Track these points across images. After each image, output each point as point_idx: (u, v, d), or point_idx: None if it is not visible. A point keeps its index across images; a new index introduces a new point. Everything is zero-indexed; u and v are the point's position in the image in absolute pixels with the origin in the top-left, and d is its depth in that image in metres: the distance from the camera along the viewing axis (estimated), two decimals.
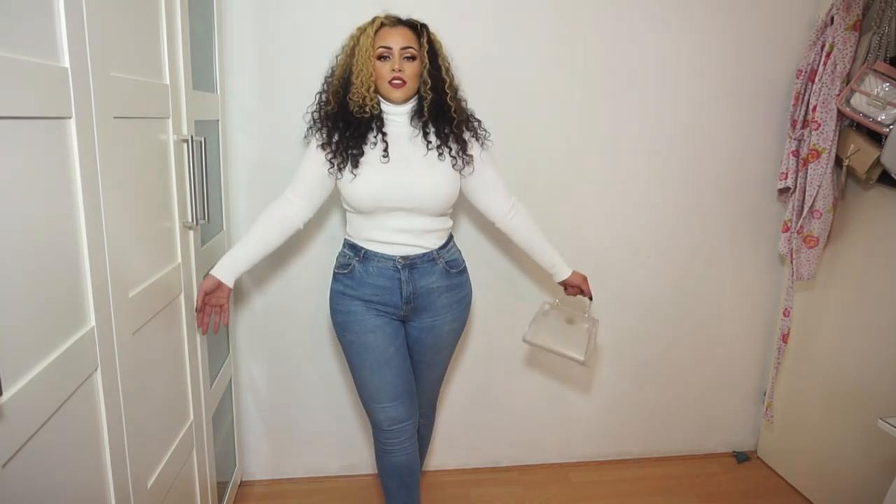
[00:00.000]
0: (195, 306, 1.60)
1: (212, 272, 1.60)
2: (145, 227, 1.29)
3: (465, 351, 2.29)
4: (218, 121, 1.87)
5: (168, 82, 1.39)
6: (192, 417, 1.61)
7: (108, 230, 1.09)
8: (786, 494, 2.29)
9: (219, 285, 1.59)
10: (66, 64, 0.95)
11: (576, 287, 1.83)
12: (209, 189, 1.60)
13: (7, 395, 0.81)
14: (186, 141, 1.47)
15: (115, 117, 1.11)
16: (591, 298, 1.85)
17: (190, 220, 1.52)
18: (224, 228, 1.96)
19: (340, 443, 2.31)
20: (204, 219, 1.56)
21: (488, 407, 2.36)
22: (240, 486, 2.26)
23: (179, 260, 1.50)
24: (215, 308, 1.61)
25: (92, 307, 1.05)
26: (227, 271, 1.60)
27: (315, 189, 1.66)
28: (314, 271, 2.13)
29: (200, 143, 1.53)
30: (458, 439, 2.37)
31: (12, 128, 0.83)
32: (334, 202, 2.06)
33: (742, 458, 2.49)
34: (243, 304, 2.15)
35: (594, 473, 2.40)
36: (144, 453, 1.27)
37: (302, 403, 2.26)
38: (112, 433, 1.11)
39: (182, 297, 1.51)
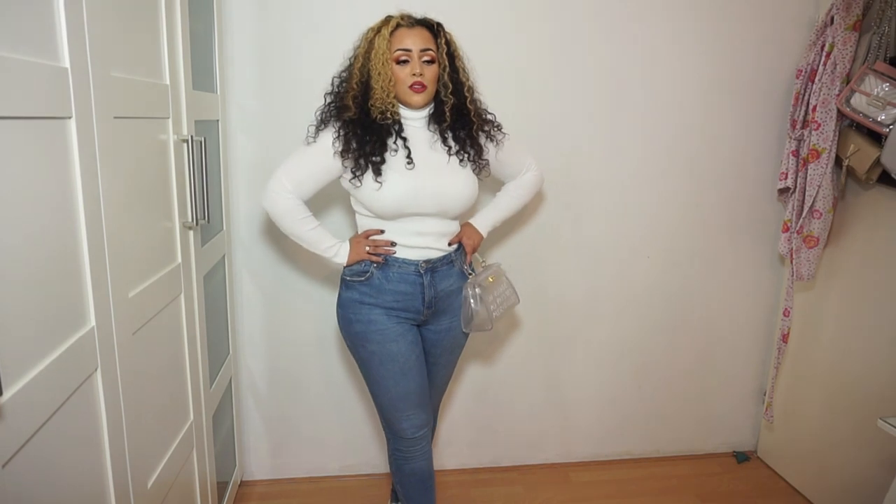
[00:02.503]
0: (369, 251, 1.59)
1: (336, 253, 1.60)
2: (145, 227, 1.29)
3: (466, 351, 2.28)
4: (218, 121, 1.87)
5: (168, 82, 1.39)
6: (192, 417, 1.61)
7: (108, 230, 1.09)
8: (786, 494, 2.29)
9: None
10: (66, 64, 0.95)
11: (460, 239, 1.68)
12: (209, 189, 1.60)
13: (7, 395, 0.81)
14: (186, 141, 1.47)
15: (115, 117, 1.11)
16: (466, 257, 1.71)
17: (190, 220, 1.52)
18: (224, 228, 1.96)
19: (340, 443, 2.30)
20: (204, 219, 1.56)
21: (488, 407, 2.36)
22: (240, 486, 2.26)
23: (179, 260, 1.50)
24: (374, 247, 1.60)
25: (92, 307, 1.05)
26: (332, 241, 1.62)
27: (313, 186, 1.58)
28: (314, 271, 2.13)
29: (200, 143, 1.53)
30: (458, 439, 2.37)
31: (12, 128, 0.83)
32: (335, 202, 2.06)
33: (742, 458, 2.49)
34: (243, 304, 2.15)
35: (594, 473, 2.40)
36: (144, 453, 1.27)
37: (302, 403, 2.26)
38: (112, 433, 1.11)
39: (182, 297, 1.51)
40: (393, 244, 1.58)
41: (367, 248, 1.59)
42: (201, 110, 1.66)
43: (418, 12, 1.57)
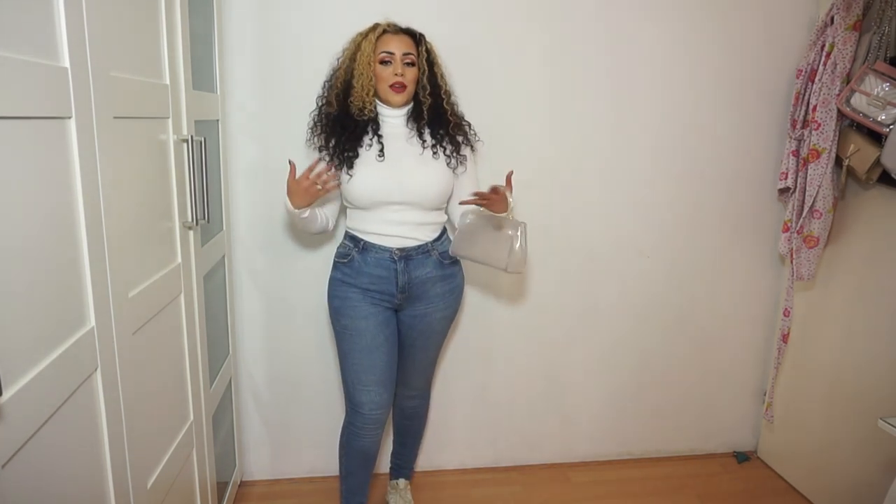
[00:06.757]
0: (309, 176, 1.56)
1: (286, 203, 1.64)
2: (145, 227, 1.29)
3: (465, 350, 2.29)
4: (218, 121, 1.87)
5: (168, 82, 1.39)
6: (192, 417, 1.61)
7: (108, 230, 1.09)
8: (786, 494, 2.29)
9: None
10: (66, 64, 0.95)
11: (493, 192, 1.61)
12: (209, 189, 1.60)
13: (7, 395, 0.80)
14: (186, 141, 1.47)
15: (115, 117, 1.11)
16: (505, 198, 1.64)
17: (190, 220, 1.52)
18: (224, 228, 1.96)
19: None
20: (204, 219, 1.56)
21: (488, 407, 2.36)
22: (240, 486, 2.26)
23: (179, 260, 1.50)
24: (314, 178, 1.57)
25: (92, 307, 1.05)
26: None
27: (331, 195, 1.75)
28: (314, 272, 2.13)
29: (200, 143, 1.53)
30: (458, 439, 2.38)
31: (12, 128, 0.83)
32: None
33: (742, 458, 2.49)
34: (243, 303, 2.15)
35: (594, 473, 2.40)
36: (144, 453, 1.27)
37: (302, 403, 2.26)
38: (112, 433, 1.11)
39: (182, 297, 1.51)
40: (331, 165, 1.61)
41: (318, 187, 1.58)
42: (201, 110, 1.66)
43: (404, 22, 1.72)
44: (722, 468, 2.44)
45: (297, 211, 1.64)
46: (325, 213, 1.77)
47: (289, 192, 1.61)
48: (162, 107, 1.37)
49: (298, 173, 1.59)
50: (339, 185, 1.68)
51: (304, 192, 1.57)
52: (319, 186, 1.57)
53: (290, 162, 1.58)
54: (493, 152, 2.05)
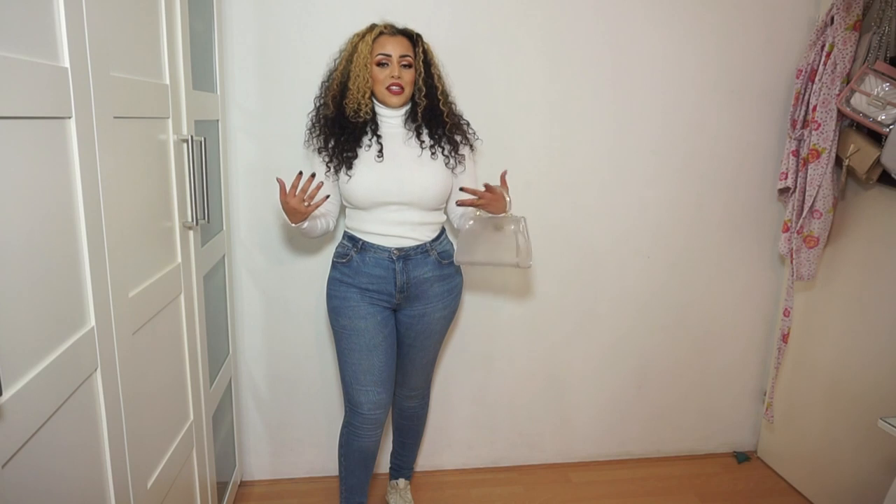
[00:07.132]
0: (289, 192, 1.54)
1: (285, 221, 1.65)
2: (145, 227, 1.29)
3: (465, 351, 2.29)
4: (218, 121, 1.87)
5: (168, 82, 1.39)
6: (192, 417, 1.61)
7: (108, 230, 1.09)
8: (786, 494, 2.29)
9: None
10: (66, 64, 0.95)
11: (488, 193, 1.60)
12: (209, 189, 1.60)
13: (7, 395, 0.81)
14: (186, 141, 1.47)
15: (115, 117, 1.11)
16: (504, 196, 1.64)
17: (190, 220, 1.52)
18: (224, 228, 1.96)
19: None
20: (204, 219, 1.56)
21: (488, 407, 2.36)
22: (240, 486, 2.26)
23: (179, 260, 1.50)
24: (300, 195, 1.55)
25: (92, 307, 1.05)
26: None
27: (331, 195, 1.75)
28: (314, 272, 2.13)
29: (200, 143, 1.53)
30: (458, 439, 2.38)
31: (12, 128, 0.83)
32: None
33: (742, 458, 2.49)
34: (243, 304, 2.15)
35: (594, 473, 2.40)
36: (144, 453, 1.27)
37: (302, 403, 2.26)
38: (112, 433, 1.11)
39: (182, 297, 1.51)
40: (313, 175, 1.57)
41: (305, 204, 1.56)
42: (201, 110, 1.66)
43: (400, 23, 1.72)
44: (722, 468, 2.44)
45: (295, 226, 1.64)
46: (325, 219, 1.78)
47: (284, 210, 1.60)
48: (162, 107, 1.37)
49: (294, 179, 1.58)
50: (327, 198, 1.67)
51: (294, 210, 1.56)
52: (307, 203, 1.56)
53: (278, 180, 1.55)
54: (492, 152, 2.05)
